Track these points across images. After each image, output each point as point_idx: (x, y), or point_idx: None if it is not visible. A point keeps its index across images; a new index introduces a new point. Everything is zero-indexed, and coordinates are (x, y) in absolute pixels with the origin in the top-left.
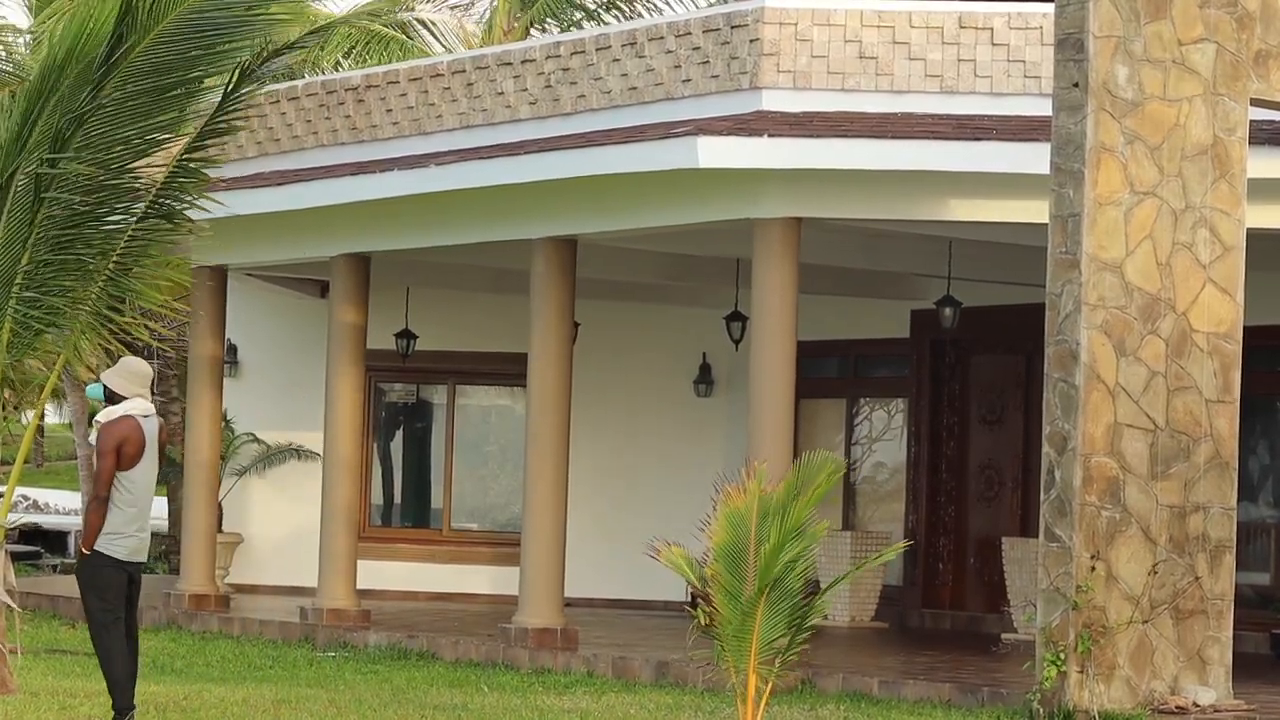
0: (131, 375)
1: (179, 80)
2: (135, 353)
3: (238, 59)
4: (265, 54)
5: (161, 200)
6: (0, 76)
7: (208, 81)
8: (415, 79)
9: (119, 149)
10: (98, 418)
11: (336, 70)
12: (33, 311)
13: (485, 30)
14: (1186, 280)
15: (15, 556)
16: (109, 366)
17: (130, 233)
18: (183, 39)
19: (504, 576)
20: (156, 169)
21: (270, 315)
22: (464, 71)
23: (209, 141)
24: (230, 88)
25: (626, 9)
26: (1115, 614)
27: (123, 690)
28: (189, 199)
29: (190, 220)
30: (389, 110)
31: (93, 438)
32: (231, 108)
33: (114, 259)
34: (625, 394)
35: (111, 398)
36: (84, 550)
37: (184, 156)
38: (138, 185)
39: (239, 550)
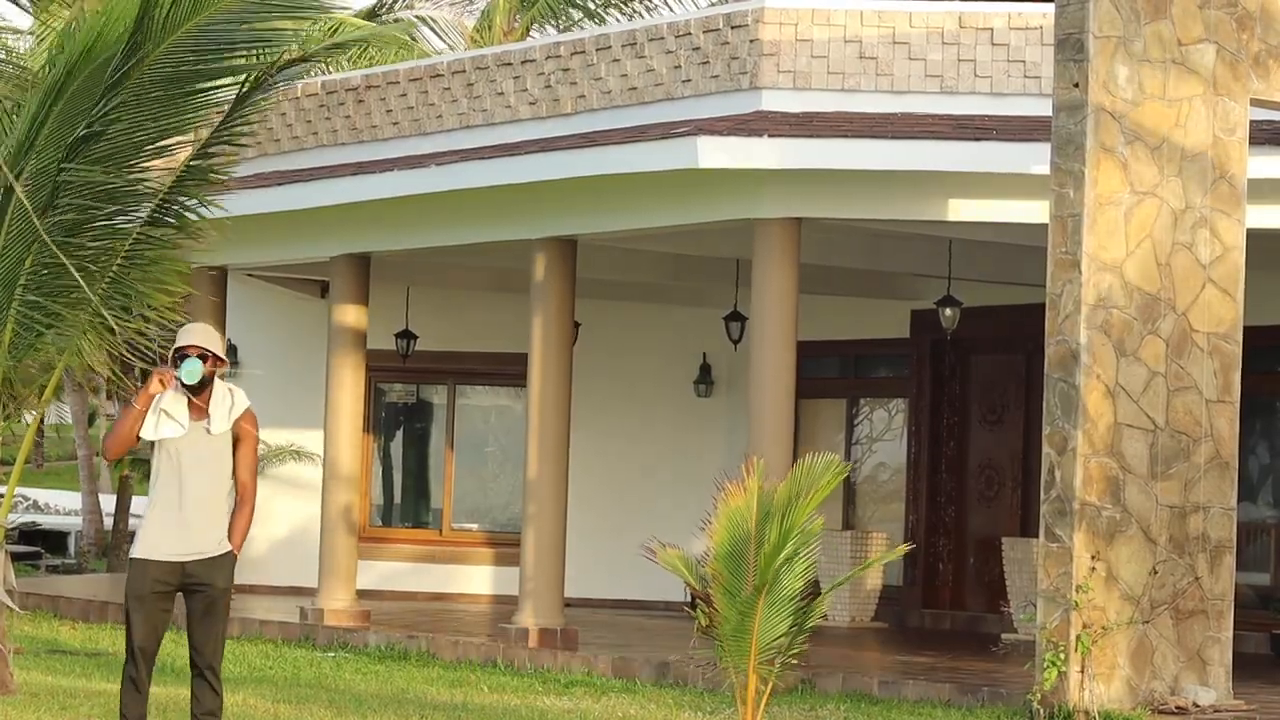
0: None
1: (190, 90)
2: (136, 354)
3: (247, 69)
4: (281, 63)
5: (169, 204)
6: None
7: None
8: (415, 79)
9: (130, 155)
10: (233, 395)
11: (335, 69)
12: (34, 313)
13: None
14: (1186, 280)
15: (15, 556)
16: (111, 368)
17: (135, 235)
18: (195, 49)
19: (504, 576)
20: (164, 173)
21: (270, 315)
22: (464, 72)
23: (218, 147)
24: (242, 93)
25: (625, 8)
26: (1115, 614)
27: None
28: (198, 203)
29: (196, 225)
30: (389, 110)
31: (227, 419)
32: (243, 114)
33: (118, 261)
34: (625, 394)
35: (202, 372)
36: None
37: (193, 161)
38: (145, 189)
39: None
